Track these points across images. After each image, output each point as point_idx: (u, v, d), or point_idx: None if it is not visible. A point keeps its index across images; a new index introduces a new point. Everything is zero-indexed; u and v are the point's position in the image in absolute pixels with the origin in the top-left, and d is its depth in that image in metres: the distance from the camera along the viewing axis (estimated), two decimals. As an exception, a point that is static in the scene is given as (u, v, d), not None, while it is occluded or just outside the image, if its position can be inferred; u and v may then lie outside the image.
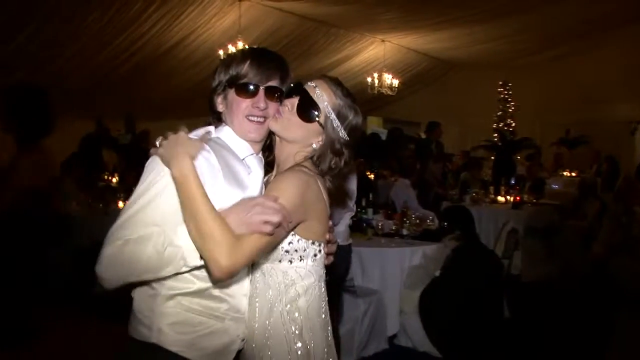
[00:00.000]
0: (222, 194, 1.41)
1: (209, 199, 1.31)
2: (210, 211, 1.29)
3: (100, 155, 7.50)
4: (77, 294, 4.84)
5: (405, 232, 4.38)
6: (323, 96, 1.54)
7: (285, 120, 1.53)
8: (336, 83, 1.58)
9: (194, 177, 1.31)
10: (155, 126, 8.89)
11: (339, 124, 1.54)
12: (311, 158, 1.57)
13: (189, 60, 8.30)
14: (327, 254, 1.60)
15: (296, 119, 1.53)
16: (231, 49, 7.39)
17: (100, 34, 6.82)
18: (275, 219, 1.31)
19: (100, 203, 5.55)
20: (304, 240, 1.48)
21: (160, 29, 7.29)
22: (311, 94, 1.54)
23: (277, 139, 1.60)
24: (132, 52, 7.58)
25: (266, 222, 1.31)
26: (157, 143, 1.41)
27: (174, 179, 1.33)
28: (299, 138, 1.55)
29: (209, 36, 7.92)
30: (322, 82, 1.56)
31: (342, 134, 1.55)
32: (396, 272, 3.97)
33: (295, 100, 1.54)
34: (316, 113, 1.53)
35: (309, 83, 1.57)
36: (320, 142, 1.55)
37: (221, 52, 7.46)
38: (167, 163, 1.36)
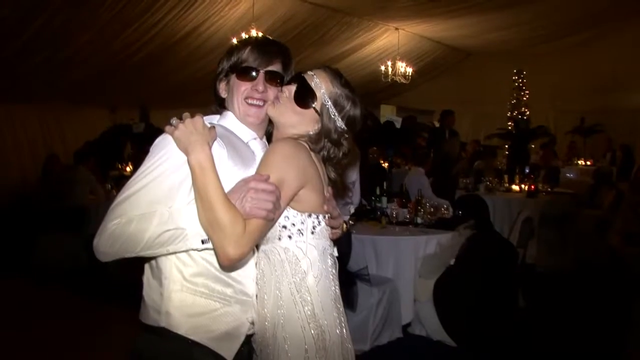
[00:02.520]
0: (227, 173, 1.42)
1: (222, 189, 1.33)
2: (223, 202, 1.31)
3: (122, 144, 7.55)
4: (91, 280, 4.90)
5: (419, 220, 4.34)
6: (321, 84, 1.55)
7: (282, 106, 1.55)
8: (335, 73, 1.59)
9: (211, 167, 1.34)
10: (169, 114, 8.93)
11: (335, 112, 1.55)
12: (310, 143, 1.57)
13: (202, 49, 8.28)
14: (332, 228, 1.58)
15: (292, 105, 1.54)
16: (245, 37, 7.35)
17: (112, 22, 6.81)
18: (270, 204, 1.34)
19: (115, 191, 5.59)
20: (299, 213, 1.48)
21: (173, 17, 7.27)
22: (309, 81, 1.55)
23: (275, 126, 1.61)
24: (145, 41, 7.58)
25: (262, 208, 1.33)
26: (173, 122, 1.41)
27: (191, 167, 1.34)
28: (295, 123, 1.56)
29: (222, 24, 7.89)
30: (321, 71, 1.58)
31: (340, 123, 1.56)
32: (410, 260, 3.94)
33: (292, 87, 1.56)
34: (312, 100, 1.54)
35: (308, 72, 1.58)
36: (317, 128, 1.56)
37: (234, 41, 7.40)
38: (183, 149, 1.36)
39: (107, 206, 1.41)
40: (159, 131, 1.48)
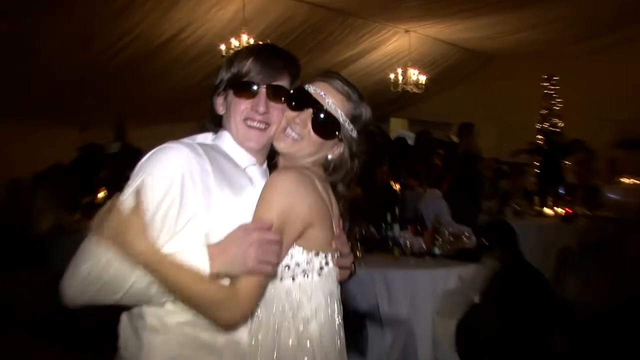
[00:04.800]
0: (214, 200, 1.43)
1: (183, 267, 1.33)
2: (191, 281, 1.33)
3: (95, 167, 7.57)
4: (54, 325, 4.87)
5: (437, 251, 4.33)
6: (335, 104, 1.57)
7: (301, 141, 1.56)
8: (340, 82, 1.61)
9: (159, 259, 1.33)
10: (148, 132, 8.99)
11: (352, 127, 1.60)
12: (325, 170, 1.61)
13: (186, 56, 8.38)
14: (340, 268, 1.59)
15: (313, 137, 1.56)
16: (234, 43, 7.44)
17: (82, 27, 6.89)
18: (275, 257, 1.37)
19: (85, 221, 5.58)
20: (305, 251, 1.49)
21: (152, 20, 7.37)
22: (322, 103, 1.56)
23: (282, 155, 1.62)
24: (120, 47, 7.67)
25: (267, 263, 1.36)
26: (97, 218, 1.38)
27: (137, 266, 1.33)
28: (313, 153, 1.59)
29: (209, 29, 7.99)
30: (327, 86, 1.59)
31: (355, 134, 1.62)
32: (428, 298, 3.91)
33: (307, 115, 1.56)
34: (337, 129, 1.58)
35: (311, 89, 1.59)
36: (338, 153, 1.61)
37: (223, 47, 7.53)
38: (117, 250, 1.34)
39: (76, 239, 1.41)
40: (137, 152, 1.49)
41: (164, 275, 1.32)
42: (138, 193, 1.36)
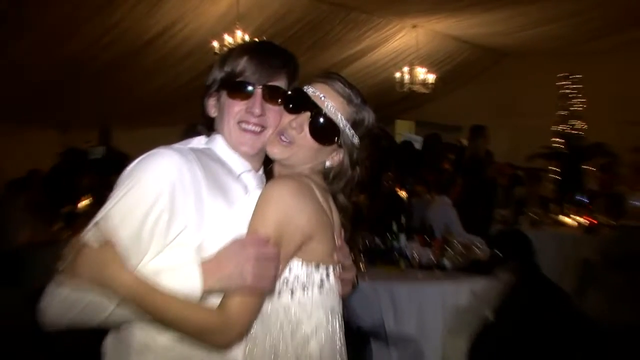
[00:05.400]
0: (206, 209, 1.43)
1: (172, 296, 1.34)
2: (182, 310, 1.35)
3: (76, 174, 7.57)
4: (30, 346, 4.85)
5: (447, 263, 4.33)
6: (335, 108, 1.58)
7: (296, 147, 1.57)
8: (341, 85, 1.62)
9: (144, 288, 1.34)
10: (135, 135, 9.01)
11: (353, 132, 1.61)
12: (323, 174, 1.63)
13: (175, 54, 8.40)
14: (342, 282, 1.60)
15: (309, 142, 1.57)
16: (228, 40, 7.46)
17: (62, 21, 6.89)
18: (273, 272, 1.38)
19: (65, 233, 5.58)
20: (305, 264, 1.50)
21: (139, 15, 7.39)
22: (321, 106, 1.57)
23: (278, 161, 1.63)
24: (104, 44, 7.69)
25: (266, 278, 1.38)
26: (64, 259, 1.39)
27: (120, 299, 1.34)
28: (310, 160, 1.60)
29: (200, 25, 8.01)
30: (327, 88, 1.60)
31: (356, 140, 1.62)
32: (437, 314, 3.91)
33: (304, 119, 1.57)
34: (336, 134, 1.59)
35: (310, 91, 1.60)
36: (337, 160, 1.62)
37: (215, 44, 7.55)
38: (97, 287, 1.35)
39: (55, 252, 1.42)
40: (123, 157, 1.50)
41: (152, 305, 1.34)
42: (108, 220, 1.37)
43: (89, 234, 1.39)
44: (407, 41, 10.54)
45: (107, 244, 1.35)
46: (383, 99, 11.06)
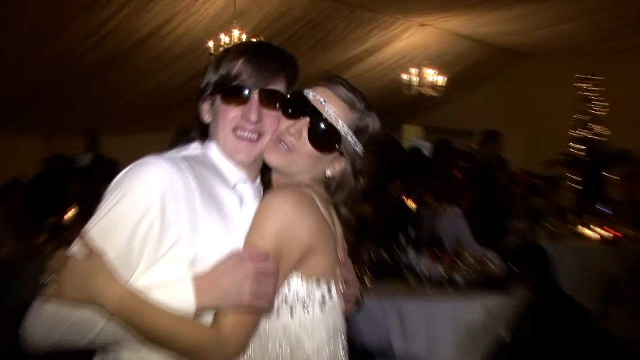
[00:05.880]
0: (200, 227, 1.43)
1: (165, 310, 1.33)
2: (175, 326, 1.34)
3: (63, 183, 7.57)
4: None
5: (458, 278, 4.32)
6: (336, 114, 1.59)
7: (295, 154, 1.57)
8: (344, 89, 1.62)
9: (136, 301, 1.33)
10: (125, 142, 9.01)
11: (356, 140, 1.61)
12: (325, 185, 1.63)
13: (168, 54, 8.43)
14: (346, 299, 1.60)
15: (308, 150, 1.58)
16: (224, 39, 7.48)
17: (47, 20, 6.90)
18: (273, 289, 1.39)
19: (49, 246, 5.58)
20: (305, 280, 1.50)
21: (129, 13, 7.40)
22: (321, 111, 1.58)
23: (276, 170, 1.64)
24: (92, 45, 7.70)
25: (265, 296, 1.38)
26: (49, 273, 1.38)
27: (112, 316, 1.33)
28: (310, 168, 1.61)
29: (194, 23, 8.04)
30: (329, 92, 1.61)
31: (359, 149, 1.63)
32: (448, 333, 3.90)
33: (303, 124, 1.58)
34: (337, 141, 1.59)
35: (310, 95, 1.61)
36: (339, 169, 1.62)
37: (211, 44, 7.57)
38: (85, 302, 1.34)
39: (39, 267, 1.41)
40: (112, 164, 1.51)
41: (143, 320, 1.33)
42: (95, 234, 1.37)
43: (76, 248, 1.39)
44: (415, 41, 10.56)
45: (95, 255, 1.35)
46: (389, 103, 11.06)
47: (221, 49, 6.77)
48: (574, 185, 9.11)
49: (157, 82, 8.91)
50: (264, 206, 1.49)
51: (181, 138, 1.76)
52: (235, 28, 7.55)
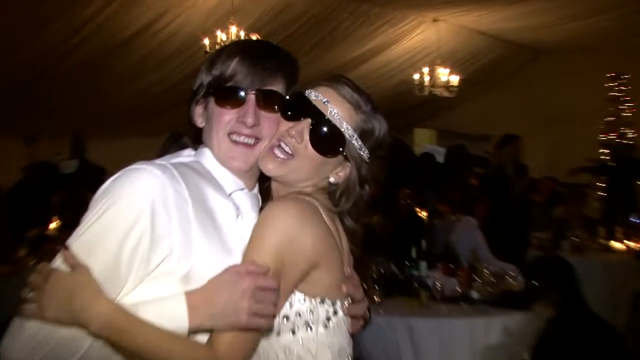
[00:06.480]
0: (192, 242, 1.43)
1: (156, 327, 1.33)
2: (168, 344, 1.34)
3: (46, 191, 7.60)
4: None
5: (475, 295, 4.33)
6: (340, 115, 1.58)
7: (295, 159, 1.57)
8: (349, 89, 1.62)
9: (125, 317, 1.33)
10: (113, 146, 9.01)
11: (361, 144, 1.61)
12: (329, 193, 1.63)
13: (160, 53, 8.44)
14: (352, 317, 1.60)
15: (310, 154, 1.58)
16: (221, 36, 7.50)
17: (29, 14, 6.90)
18: (273, 307, 1.38)
19: (30, 260, 5.59)
20: (309, 298, 1.50)
21: (117, 8, 7.39)
22: (324, 112, 1.58)
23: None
24: (76, 42, 7.72)
25: (264, 315, 1.37)
26: (29, 292, 1.37)
27: (98, 336, 1.33)
28: (311, 175, 1.61)
29: (188, 19, 8.05)
30: (332, 92, 1.61)
31: (365, 154, 1.62)
32: (464, 354, 3.90)
33: (304, 126, 1.58)
34: (341, 144, 1.59)
35: (312, 95, 1.61)
36: (343, 175, 1.62)
37: (207, 42, 7.59)
38: (69, 321, 1.33)
39: (18, 282, 1.41)
40: (99, 171, 1.51)
41: (133, 340, 1.33)
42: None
43: (59, 261, 1.38)
44: (427, 37, 10.58)
45: (79, 268, 1.34)
46: (399, 105, 11.07)
47: (217, 47, 6.80)
48: (601, 193, 9.07)
49: (147, 83, 8.93)
50: (264, 217, 1.49)
51: (173, 143, 1.76)
52: (232, 24, 7.55)
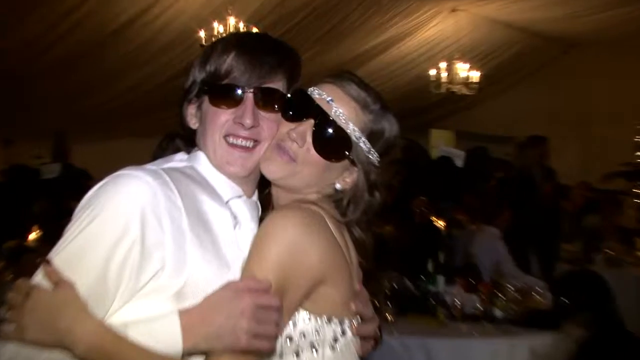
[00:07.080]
0: (189, 248, 1.43)
1: (142, 349, 1.33)
2: None
3: (25, 198, 7.63)
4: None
5: (498, 313, 4.31)
6: (345, 115, 1.58)
7: (297, 164, 1.58)
8: (355, 86, 1.62)
9: (112, 337, 1.33)
10: (99, 149, 9.04)
11: (370, 147, 1.61)
12: (336, 201, 1.63)
13: (151, 46, 8.47)
14: (362, 338, 1.60)
15: (313, 158, 1.58)
16: (218, 28, 7.52)
17: (5, 6, 6.93)
18: (274, 328, 1.38)
19: (7, 274, 5.62)
20: (314, 317, 1.50)
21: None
22: (328, 112, 1.58)
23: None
24: (60, 35, 7.75)
25: (265, 336, 1.37)
26: (7, 311, 1.37)
27: (81, 355, 1.32)
28: (315, 181, 1.61)
29: (182, 10, 8.07)
30: (337, 90, 1.61)
31: (374, 157, 1.63)
32: (486, 378, 3.89)
33: (306, 127, 1.58)
34: (347, 147, 1.59)
35: (315, 93, 1.61)
36: (350, 181, 1.62)
37: (202, 34, 7.61)
38: (51, 342, 1.33)
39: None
40: (83, 176, 1.51)
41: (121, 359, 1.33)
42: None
43: (40, 277, 1.38)
44: (444, 30, 10.60)
45: (63, 285, 1.34)
46: (414, 104, 11.09)
47: (214, 40, 6.81)
48: (637, 200, 9.05)
49: (137, 79, 8.96)
50: (265, 228, 1.49)
51: (169, 145, 1.76)
52: (230, 15, 7.58)
